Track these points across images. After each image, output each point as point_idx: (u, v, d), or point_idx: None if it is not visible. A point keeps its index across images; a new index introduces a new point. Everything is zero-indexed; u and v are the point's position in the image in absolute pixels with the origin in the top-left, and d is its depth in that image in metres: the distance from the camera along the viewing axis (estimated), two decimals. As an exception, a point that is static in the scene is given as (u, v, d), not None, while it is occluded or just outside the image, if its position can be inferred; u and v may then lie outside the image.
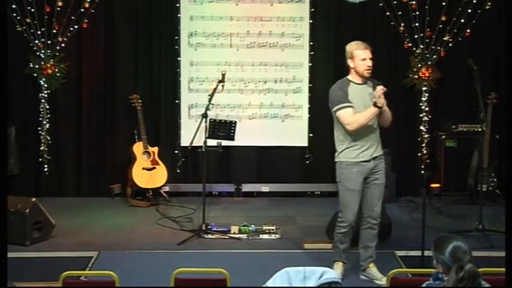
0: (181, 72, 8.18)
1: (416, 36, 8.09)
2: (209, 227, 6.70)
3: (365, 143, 5.30)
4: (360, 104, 5.28)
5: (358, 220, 5.48)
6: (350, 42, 5.47)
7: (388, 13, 8.03)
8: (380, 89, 5.20)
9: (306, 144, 8.25)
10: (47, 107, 8.04)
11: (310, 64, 8.20)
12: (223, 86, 6.99)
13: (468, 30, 8.05)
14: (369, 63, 5.30)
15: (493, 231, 6.57)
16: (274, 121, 8.24)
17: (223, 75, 6.97)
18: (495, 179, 7.95)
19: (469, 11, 7.98)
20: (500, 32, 7.91)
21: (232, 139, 7.13)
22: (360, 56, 5.31)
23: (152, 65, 8.24)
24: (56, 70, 7.99)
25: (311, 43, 8.18)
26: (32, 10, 7.82)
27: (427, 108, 8.24)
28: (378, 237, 5.50)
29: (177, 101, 8.20)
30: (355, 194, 5.33)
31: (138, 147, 7.92)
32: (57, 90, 8.07)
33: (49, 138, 8.08)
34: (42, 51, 7.93)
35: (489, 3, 8.02)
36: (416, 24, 8.05)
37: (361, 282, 5.49)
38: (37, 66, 7.95)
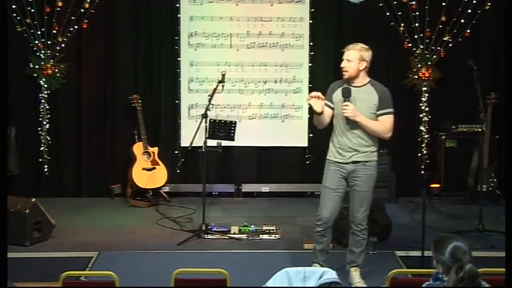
0: (181, 73, 8.17)
1: (416, 36, 8.08)
2: (209, 227, 6.70)
3: (343, 145, 5.29)
4: (340, 106, 5.27)
5: (341, 223, 5.45)
6: (350, 42, 5.47)
7: (388, 13, 8.02)
8: (344, 104, 5.19)
9: (306, 144, 8.24)
10: (47, 107, 8.03)
11: (310, 64, 8.19)
12: (223, 86, 6.98)
13: (468, 30, 8.05)
14: (342, 64, 5.29)
15: (493, 231, 6.57)
16: (274, 121, 8.24)
17: (223, 75, 6.97)
18: (495, 179, 7.95)
19: (469, 11, 7.98)
20: (500, 32, 7.90)
21: (232, 139, 7.14)
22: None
23: (152, 65, 8.23)
24: (56, 70, 7.98)
25: (311, 43, 8.17)
26: (32, 10, 7.81)
27: (427, 109, 8.23)
28: (363, 244, 5.41)
29: (177, 101, 8.20)
30: (329, 193, 5.33)
31: (138, 148, 7.91)
32: (57, 90, 8.07)
33: (49, 138, 8.07)
34: (42, 52, 7.92)
35: (489, 3, 8.02)
36: (416, 24, 8.04)
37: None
38: (37, 67, 7.95)
